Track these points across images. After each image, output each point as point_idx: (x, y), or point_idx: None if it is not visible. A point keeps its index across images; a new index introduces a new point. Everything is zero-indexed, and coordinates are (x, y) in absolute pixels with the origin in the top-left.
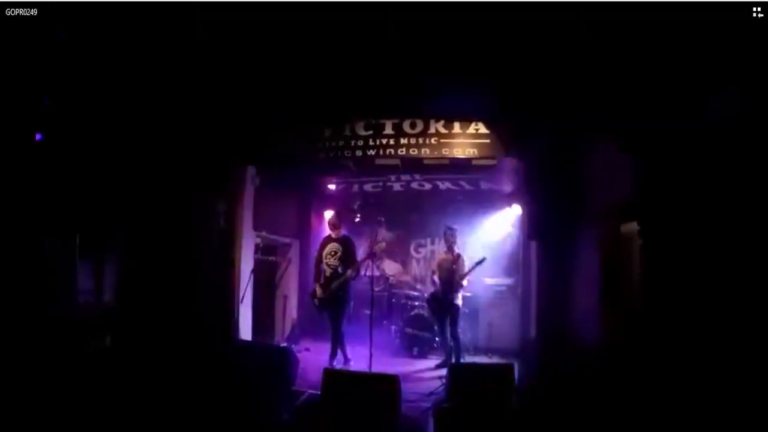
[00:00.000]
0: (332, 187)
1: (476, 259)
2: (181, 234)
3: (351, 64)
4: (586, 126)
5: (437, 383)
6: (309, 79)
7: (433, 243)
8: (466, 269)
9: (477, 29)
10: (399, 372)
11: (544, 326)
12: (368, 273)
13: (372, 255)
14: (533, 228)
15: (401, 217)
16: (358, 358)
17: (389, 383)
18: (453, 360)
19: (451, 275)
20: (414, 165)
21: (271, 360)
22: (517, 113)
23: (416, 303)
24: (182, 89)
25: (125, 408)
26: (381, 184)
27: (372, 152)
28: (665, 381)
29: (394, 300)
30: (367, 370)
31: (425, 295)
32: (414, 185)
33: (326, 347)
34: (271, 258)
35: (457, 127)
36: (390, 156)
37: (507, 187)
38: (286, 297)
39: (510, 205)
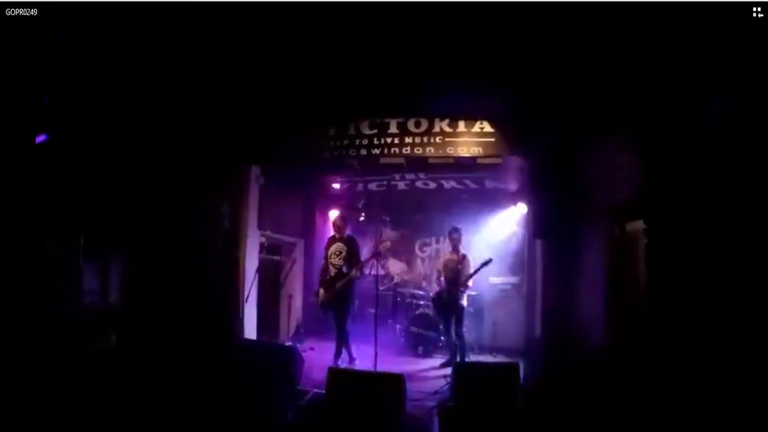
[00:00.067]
0: (337, 186)
1: (482, 260)
2: (185, 234)
3: (356, 63)
4: (590, 125)
5: (442, 382)
6: (313, 79)
7: (437, 242)
8: (472, 270)
9: (482, 29)
10: (404, 371)
11: (550, 325)
12: (373, 272)
13: (377, 254)
14: (538, 227)
15: (406, 216)
16: (363, 357)
17: (394, 382)
18: (458, 359)
19: (456, 275)
20: (419, 164)
21: (275, 359)
22: (522, 112)
23: (421, 302)
24: (185, 89)
25: (127, 408)
26: (386, 183)
27: (377, 151)
28: (670, 380)
29: (398, 299)
30: (371, 369)
31: (430, 294)
32: (419, 184)
33: (331, 346)
34: (275, 257)
35: (461, 126)
36: (395, 155)
37: (512, 186)
38: (290, 296)
39: (515, 203)
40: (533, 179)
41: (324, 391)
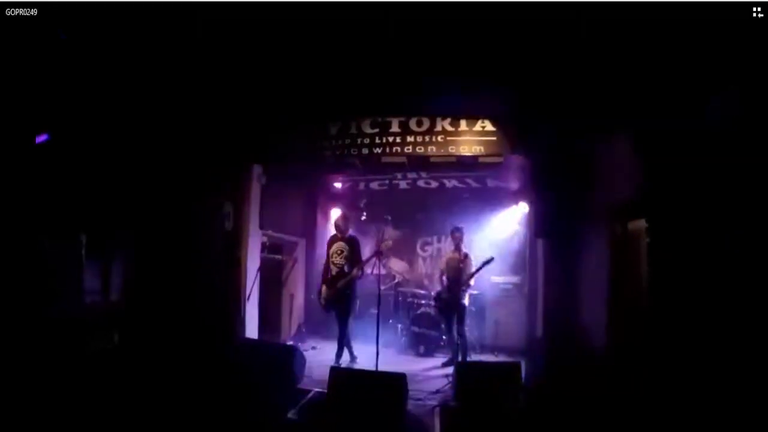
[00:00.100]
0: (338, 185)
1: (484, 259)
2: (187, 233)
3: (358, 62)
4: (591, 124)
5: (443, 381)
6: (314, 78)
7: (439, 241)
8: (474, 268)
9: (484, 29)
10: (405, 370)
11: (551, 324)
12: (375, 272)
13: (378, 253)
14: (540, 226)
15: (407, 215)
16: (364, 357)
17: (396, 381)
18: (459, 358)
19: (458, 274)
20: (420, 163)
21: (277, 358)
22: (523, 111)
23: (422, 301)
24: (187, 88)
25: (128, 407)
26: (387, 182)
27: (378, 150)
28: (672, 379)
29: (400, 298)
30: (373, 368)
31: (431, 293)
32: (420, 183)
33: (333, 346)
34: (277, 256)
35: (463, 125)
36: (396, 154)
37: (514, 185)
38: (292, 295)
39: (517, 202)
40: (535, 178)
41: (326, 391)
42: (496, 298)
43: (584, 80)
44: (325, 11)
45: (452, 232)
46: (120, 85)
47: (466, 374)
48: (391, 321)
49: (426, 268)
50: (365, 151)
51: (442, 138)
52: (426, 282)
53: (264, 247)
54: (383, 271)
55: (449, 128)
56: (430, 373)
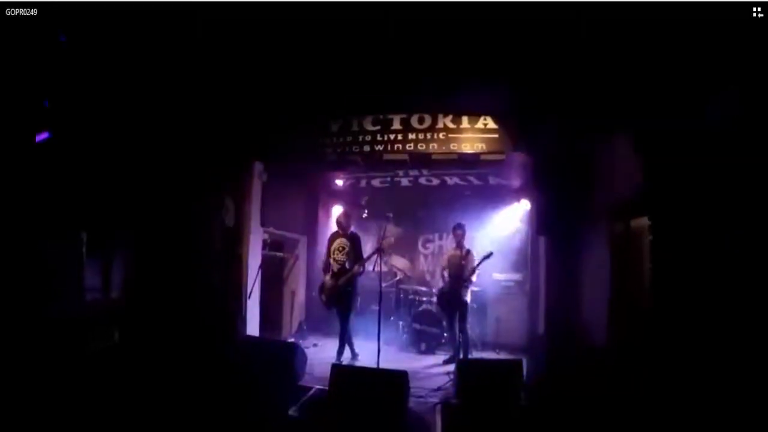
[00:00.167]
0: (340, 182)
1: (484, 254)
2: (188, 231)
3: (359, 59)
4: (593, 121)
5: (445, 379)
6: (316, 75)
7: (441, 238)
8: (475, 264)
9: (485, 28)
10: (407, 368)
11: (553, 322)
12: (376, 269)
13: (380, 250)
14: (542, 223)
15: (409, 212)
16: (365, 354)
17: (397, 379)
18: (461, 356)
19: (460, 271)
20: (422, 160)
21: (278, 356)
22: (525, 108)
23: (424, 298)
24: (188, 86)
25: (129, 406)
26: (389, 179)
27: (380, 147)
28: (674, 377)
29: (401, 296)
30: (374, 365)
31: (433, 290)
32: (422, 181)
33: (334, 343)
34: (278, 254)
35: (465, 122)
36: (398, 151)
37: (515, 182)
38: (293, 293)
39: (518, 200)
40: (536, 175)
41: (327, 388)
42: (497, 296)
43: (585, 79)
44: (326, 11)
45: (454, 229)
46: (121, 84)
47: (467, 371)
48: (392, 318)
49: (427, 265)
50: (367, 148)
51: (443, 135)
52: (427, 279)
53: (265, 245)
54: (384, 268)
55: (451, 125)
56: (431, 370)
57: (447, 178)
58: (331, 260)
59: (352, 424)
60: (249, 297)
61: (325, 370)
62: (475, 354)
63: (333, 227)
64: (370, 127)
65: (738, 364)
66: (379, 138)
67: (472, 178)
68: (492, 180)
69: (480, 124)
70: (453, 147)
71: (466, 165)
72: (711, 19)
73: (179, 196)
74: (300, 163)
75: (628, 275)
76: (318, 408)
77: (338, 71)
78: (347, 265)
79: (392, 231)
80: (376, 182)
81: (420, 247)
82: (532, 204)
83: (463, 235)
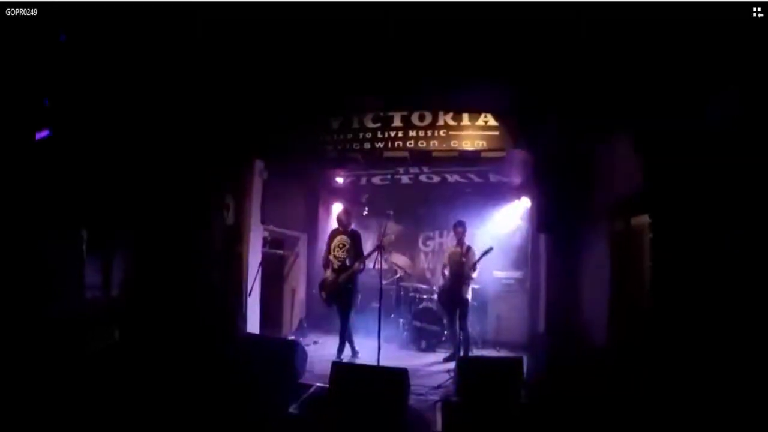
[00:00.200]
0: (340, 180)
1: (484, 249)
2: (188, 228)
3: (360, 57)
4: (594, 119)
5: (445, 377)
6: (316, 73)
7: (441, 236)
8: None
9: (487, 27)
10: (407, 365)
11: (553, 320)
12: (376, 266)
13: (380, 248)
14: (542, 221)
15: (409, 210)
16: (366, 352)
17: (397, 376)
18: (461, 353)
19: (461, 268)
20: (423, 157)
21: (278, 353)
22: (525, 106)
23: (424, 296)
24: (189, 85)
25: (129, 405)
26: (389, 177)
27: (380, 145)
28: (674, 375)
29: (402, 293)
30: (375, 363)
31: (433, 288)
32: (422, 178)
33: (334, 340)
34: (279, 251)
35: (465, 119)
36: (398, 148)
37: (516, 180)
38: (294, 290)
39: (519, 197)
40: (537, 173)
41: (327, 385)
42: (498, 293)
43: (585, 78)
44: (326, 11)
45: (455, 227)
46: (122, 82)
47: (467, 369)
48: (392, 316)
49: (428, 262)
50: (367, 145)
51: (444, 132)
52: (428, 276)
53: (265, 242)
54: (385, 266)
55: (451, 123)
56: (431, 368)
57: (447, 176)
58: (332, 257)
59: (352, 422)
60: (249, 294)
61: (326, 368)
62: (476, 352)
63: (333, 225)
64: (371, 125)
65: (738, 363)
66: (379, 135)
67: (472, 176)
68: (492, 177)
69: (480, 122)
70: (453, 144)
71: (467, 162)
72: (711, 19)
73: (179, 193)
74: (300, 161)
75: (628, 273)
76: (318, 405)
77: (339, 69)
78: (348, 263)
79: (392, 228)
80: (376, 180)
81: (420, 245)
82: (533, 201)
83: (463, 233)
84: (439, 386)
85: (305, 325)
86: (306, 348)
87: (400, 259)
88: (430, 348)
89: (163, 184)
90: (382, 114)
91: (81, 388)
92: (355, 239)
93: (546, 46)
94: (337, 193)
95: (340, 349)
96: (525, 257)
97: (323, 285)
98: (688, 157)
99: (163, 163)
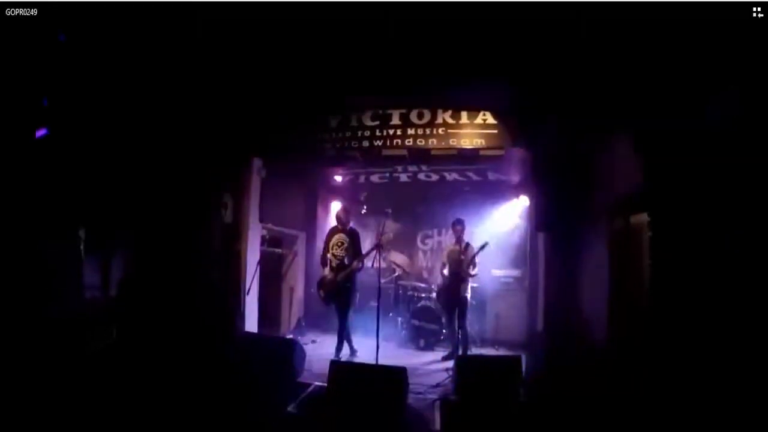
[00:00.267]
0: (339, 178)
1: (479, 245)
2: (187, 227)
3: (359, 55)
4: (593, 117)
5: (444, 375)
6: (315, 71)
7: (440, 234)
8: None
9: (489, 27)
10: (406, 364)
11: (552, 318)
12: (375, 264)
13: (379, 246)
14: (541, 219)
15: (408, 208)
16: (364, 350)
17: (396, 375)
18: (460, 352)
19: (459, 266)
20: (421, 155)
21: (277, 352)
22: (524, 104)
23: (423, 295)
24: (187, 84)
25: (128, 404)
26: (388, 175)
27: (379, 143)
28: (673, 371)
29: (400, 292)
30: (373, 362)
31: (432, 286)
32: (421, 176)
33: (332, 339)
34: (277, 250)
35: (464, 117)
36: (397, 147)
37: (515, 178)
38: (292, 289)
39: (518, 196)
40: (536, 171)
41: (326, 384)
42: (496, 292)
43: (585, 78)
44: (325, 10)
45: (453, 225)
46: (120, 82)
47: (466, 368)
48: (391, 314)
49: (426, 261)
50: (366, 143)
51: (442, 130)
52: (426, 275)
53: (264, 241)
54: (383, 264)
55: (450, 120)
56: (430, 366)
57: (446, 174)
58: (330, 256)
59: (351, 421)
60: (247, 293)
61: (324, 367)
62: (474, 350)
63: (331, 223)
64: (369, 123)
65: (737, 361)
66: (378, 133)
67: (471, 174)
68: (491, 176)
69: (479, 120)
70: (452, 142)
71: (465, 160)
72: (711, 19)
73: (178, 192)
74: (299, 159)
75: (627, 271)
76: (317, 404)
77: (337, 67)
78: (346, 261)
79: (391, 227)
80: (374, 178)
81: (419, 243)
82: (532, 200)
83: (462, 231)
84: (437, 385)
85: (304, 323)
86: (304, 347)
87: (398, 258)
88: (429, 347)
89: (161, 183)
90: (380, 112)
91: (81, 388)
92: (354, 238)
93: (546, 46)
94: (335, 192)
95: (339, 348)
96: (524, 256)
97: (321, 284)
98: (688, 157)
99: (161, 162)
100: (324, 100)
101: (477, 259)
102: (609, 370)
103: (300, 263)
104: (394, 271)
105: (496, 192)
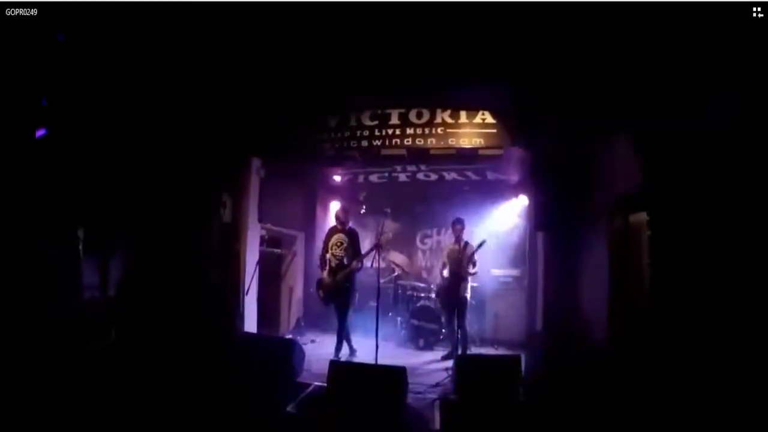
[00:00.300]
0: (338, 178)
1: (477, 243)
2: (185, 227)
3: (358, 54)
4: (592, 120)
5: (443, 375)
6: (314, 70)
7: (439, 234)
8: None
9: (489, 27)
10: (405, 364)
11: (551, 317)
12: (374, 264)
13: (378, 246)
14: (540, 219)
15: (407, 208)
16: (364, 350)
17: (395, 375)
18: (459, 351)
19: (459, 265)
20: (420, 155)
21: (276, 352)
22: (523, 103)
23: (422, 294)
24: (186, 84)
25: (127, 404)
26: (387, 175)
27: (378, 142)
28: (673, 370)
29: (399, 291)
30: (373, 361)
31: (431, 286)
32: (420, 176)
33: (332, 339)
34: (276, 250)
35: (463, 117)
36: (396, 146)
37: (513, 178)
38: (291, 289)
39: (517, 195)
40: (535, 170)
41: (325, 384)
42: (496, 291)
43: (585, 78)
44: (324, 10)
45: (453, 224)
46: (120, 82)
47: (466, 367)
48: (390, 314)
49: (425, 260)
50: (365, 143)
51: (441, 130)
52: (425, 275)
53: (263, 241)
54: (382, 264)
55: (449, 120)
56: (429, 366)
57: (445, 173)
58: (329, 255)
59: (350, 421)
60: (247, 293)
61: (324, 367)
62: (474, 350)
63: (330, 223)
64: (368, 122)
65: (737, 359)
66: (377, 133)
67: (470, 173)
68: (490, 175)
69: (478, 119)
70: (451, 142)
71: (464, 160)
72: (711, 19)
73: (176, 192)
74: (298, 159)
75: (626, 271)
76: (316, 404)
77: (336, 67)
78: (345, 261)
79: (390, 226)
80: (373, 178)
81: (418, 243)
82: (531, 199)
83: (462, 230)
84: (437, 384)
85: (303, 323)
86: (304, 347)
87: (397, 258)
88: (428, 346)
89: (159, 183)
90: (379, 112)
91: (80, 388)
92: (353, 237)
93: (546, 46)
94: (334, 192)
95: (338, 348)
96: (523, 255)
97: (321, 284)
98: (688, 157)
99: (159, 162)
100: (323, 100)
101: (476, 257)
102: (608, 370)
103: (299, 263)
104: (393, 270)
105: (495, 191)
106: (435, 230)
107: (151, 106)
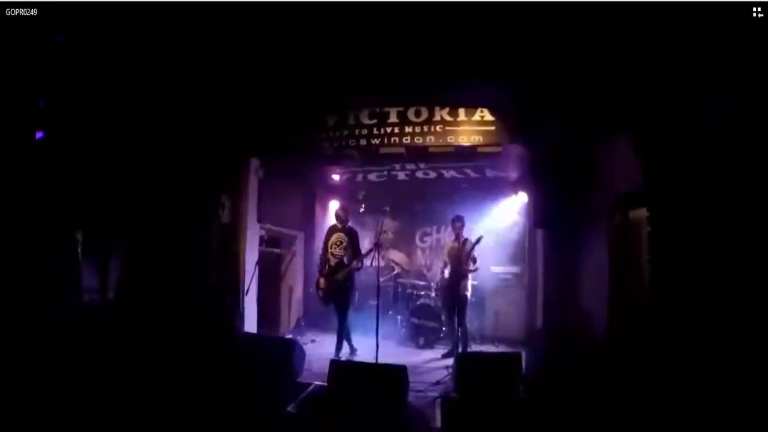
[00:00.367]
0: (336, 177)
1: (474, 240)
2: (184, 227)
3: (357, 53)
4: (591, 118)
5: (444, 373)
6: (312, 70)
7: (438, 232)
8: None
9: (489, 27)
10: (405, 362)
11: (551, 315)
12: (374, 263)
13: (378, 245)
14: (539, 216)
15: (406, 206)
16: (364, 349)
17: (396, 374)
18: (459, 349)
19: (459, 262)
20: (419, 153)
21: (276, 352)
22: (522, 100)
23: (422, 293)
24: (185, 84)
25: (127, 405)
26: (386, 173)
27: (376, 141)
28: (672, 367)
29: (399, 290)
30: (373, 360)
31: (431, 284)
32: (419, 174)
33: (332, 338)
34: (276, 250)
35: (462, 115)
36: (395, 145)
37: (513, 175)
38: (291, 289)
39: (516, 192)
40: (534, 168)
41: (325, 384)
42: (495, 289)
43: (585, 78)
44: (323, 10)
45: (453, 222)
46: (119, 82)
47: (466, 365)
48: (390, 313)
49: (425, 258)
50: (363, 142)
51: (440, 128)
52: (425, 273)
53: (262, 241)
54: (382, 263)
55: (448, 118)
56: (430, 364)
57: (444, 172)
58: (329, 255)
59: (351, 420)
60: (246, 293)
61: (324, 366)
62: (474, 347)
63: (330, 222)
64: (367, 121)
65: (736, 355)
66: (375, 132)
67: (469, 171)
68: (489, 173)
69: (477, 117)
70: (450, 140)
71: (463, 158)
72: (711, 19)
73: (175, 193)
74: (296, 159)
75: (626, 268)
76: (317, 404)
77: (335, 67)
78: (345, 260)
79: (389, 225)
80: (372, 176)
81: (417, 241)
82: (530, 196)
83: (462, 228)
84: (437, 383)
85: (303, 323)
86: (304, 346)
87: (397, 256)
88: (429, 344)
89: (158, 184)
90: (378, 110)
91: (80, 388)
92: (353, 236)
93: (546, 46)
94: (333, 191)
95: (338, 347)
96: (522, 252)
97: (320, 283)
98: (688, 157)
99: (158, 162)
100: (321, 99)
101: (476, 254)
102: (609, 366)
103: (299, 263)
104: (393, 269)
105: (494, 189)
106: (434, 228)
107: (150, 106)
